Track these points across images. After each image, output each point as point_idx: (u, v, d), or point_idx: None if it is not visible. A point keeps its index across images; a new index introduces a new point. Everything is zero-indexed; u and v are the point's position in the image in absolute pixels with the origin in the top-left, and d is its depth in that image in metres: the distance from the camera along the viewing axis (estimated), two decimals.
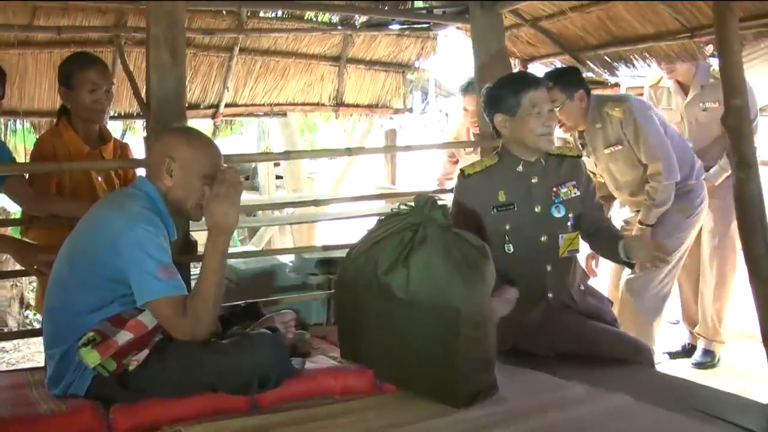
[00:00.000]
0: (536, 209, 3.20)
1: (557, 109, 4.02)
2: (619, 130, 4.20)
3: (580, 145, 4.35)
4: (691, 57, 4.15)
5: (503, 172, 3.22)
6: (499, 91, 3.22)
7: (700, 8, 3.72)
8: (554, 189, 3.23)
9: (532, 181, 3.21)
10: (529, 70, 5.12)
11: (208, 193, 2.60)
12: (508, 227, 3.17)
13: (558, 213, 3.22)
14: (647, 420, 2.44)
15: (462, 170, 3.30)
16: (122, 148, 3.79)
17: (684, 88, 4.88)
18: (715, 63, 4.58)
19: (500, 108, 3.19)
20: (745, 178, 2.49)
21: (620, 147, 4.23)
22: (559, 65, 4.93)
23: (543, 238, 3.20)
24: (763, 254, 2.49)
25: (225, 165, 2.66)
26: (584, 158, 4.30)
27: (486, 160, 3.29)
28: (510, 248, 3.18)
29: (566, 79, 4.18)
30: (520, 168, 3.21)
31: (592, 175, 4.39)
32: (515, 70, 5.04)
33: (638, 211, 4.42)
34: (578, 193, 3.27)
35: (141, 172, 3.35)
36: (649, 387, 2.80)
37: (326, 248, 4.14)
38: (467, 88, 4.83)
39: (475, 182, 3.23)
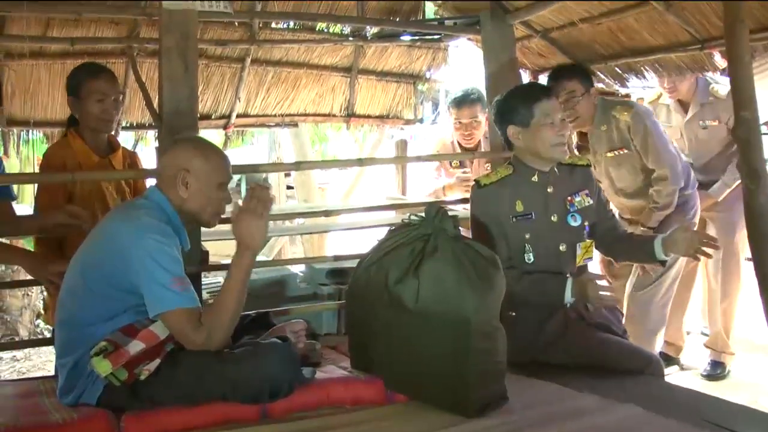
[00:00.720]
0: (553, 218, 3.21)
1: (575, 100, 4.08)
2: (626, 134, 4.20)
3: (575, 148, 4.35)
4: (702, 68, 4.15)
5: (519, 183, 3.22)
6: (511, 102, 3.23)
7: (710, 20, 3.72)
8: (569, 198, 3.25)
9: (548, 190, 3.22)
10: (540, 81, 5.14)
11: (233, 207, 2.62)
12: (528, 236, 3.18)
13: (574, 222, 3.23)
14: (657, 431, 2.43)
15: (477, 181, 3.29)
16: (131, 157, 3.80)
17: (684, 106, 4.90)
18: (715, 81, 4.65)
19: (513, 120, 3.20)
20: (754, 189, 2.49)
21: (625, 151, 4.24)
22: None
23: (562, 247, 3.22)
24: None
25: (257, 183, 2.67)
26: None
27: (501, 171, 3.28)
28: (530, 258, 3.19)
29: (584, 73, 4.21)
30: (535, 178, 3.22)
31: None
32: (525, 81, 5.05)
33: (628, 219, 4.46)
34: (591, 202, 3.28)
35: (150, 182, 3.36)
36: (658, 398, 2.79)
37: (337, 258, 4.14)
38: (462, 101, 4.78)
39: (491, 192, 3.22)
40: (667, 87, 4.83)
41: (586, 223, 3.27)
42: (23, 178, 3.71)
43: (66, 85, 3.61)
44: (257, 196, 2.62)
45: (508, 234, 3.17)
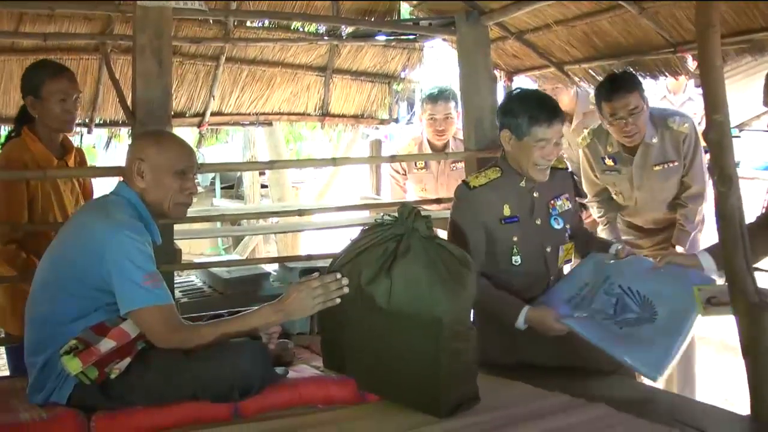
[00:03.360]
0: (537, 222, 3.22)
1: (635, 116, 3.87)
2: (680, 146, 4.04)
3: (611, 160, 4.19)
4: (674, 72, 4.18)
5: (507, 186, 3.21)
6: (517, 109, 3.14)
7: (683, 24, 3.75)
8: (551, 202, 3.26)
9: (534, 195, 3.23)
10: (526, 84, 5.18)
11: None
12: (515, 239, 3.18)
13: (557, 225, 3.24)
14: (628, 431, 2.45)
15: (466, 182, 3.25)
16: (79, 155, 3.75)
17: (567, 117, 4.87)
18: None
19: (510, 125, 3.14)
20: (725, 192, 2.50)
21: (675, 164, 4.06)
22: (544, 78, 4.95)
23: (548, 249, 3.24)
24: (743, 268, 2.51)
25: (336, 275, 2.66)
26: (611, 174, 4.22)
27: (489, 173, 3.24)
28: (517, 260, 3.19)
29: (641, 84, 3.96)
30: (523, 183, 3.21)
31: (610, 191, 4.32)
32: (500, 82, 5.08)
33: (649, 230, 4.39)
34: (570, 206, 3.31)
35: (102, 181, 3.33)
36: (630, 398, 2.81)
37: (310, 258, 4.14)
38: (437, 97, 4.84)
39: (482, 194, 3.18)
40: None
41: (568, 226, 3.30)
42: None
43: (22, 86, 3.51)
44: (327, 284, 2.63)
45: (497, 237, 3.17)
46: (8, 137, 3.66)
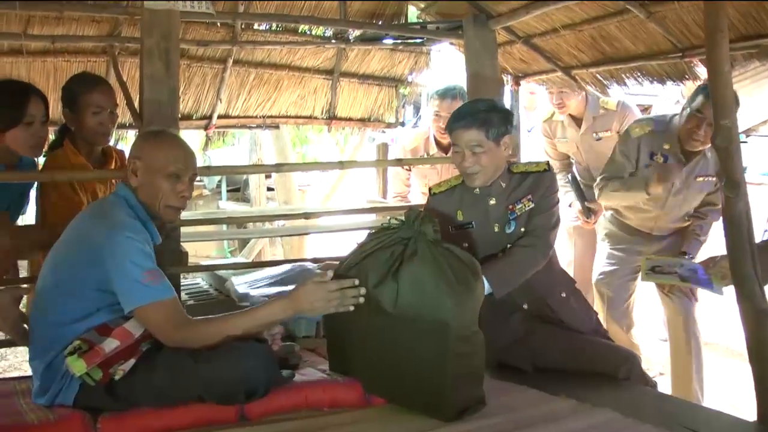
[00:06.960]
0: (495, 228, 3.22)
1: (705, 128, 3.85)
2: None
3: (662, 158, 4.14)
4: (682, 77, 4.17)
5: (463, 193, 3.29)
6: None
7: (691, 29, 3.75)
8: (510, 206, 3.23)
9: (490, 203, 3.23)
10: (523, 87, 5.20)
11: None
12: (466, 245, 3.17)
13: (509, 229, 3.22)
14: None
15: (430, 188, 3.42)
16: (120, 159, 3.77)
17: (577, 120, 5.08)
18: (604, 95, 4.76)
19: None
20: (733, 198, 2.51)
21: (713, 179, 4.07)
22: (551, 82, 4.95)
23: (499, 255, 3.20)
24: (750, 273, 2.51)
25: (354, 281, 2.63)
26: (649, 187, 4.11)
27: (452, 180, 3.37)
28: None
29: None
30: (477, 190, 3.24)
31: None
32: (507, 86, 5.10)
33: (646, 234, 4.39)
34: (532, 205, 3.22)
35: None
36: (635, 403, 2.80)
37: (316, 261, 4.14)
38: (445, 94, 4.87)
39: (439, 200, 3.32)
40: (556, 103, 5.03)
41: (523, 229, 3.22)
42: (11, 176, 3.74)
43: (61, 97, 3.56)
44: (344, 287, 2.61)
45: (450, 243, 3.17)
46: (51, 147, 3.65)
